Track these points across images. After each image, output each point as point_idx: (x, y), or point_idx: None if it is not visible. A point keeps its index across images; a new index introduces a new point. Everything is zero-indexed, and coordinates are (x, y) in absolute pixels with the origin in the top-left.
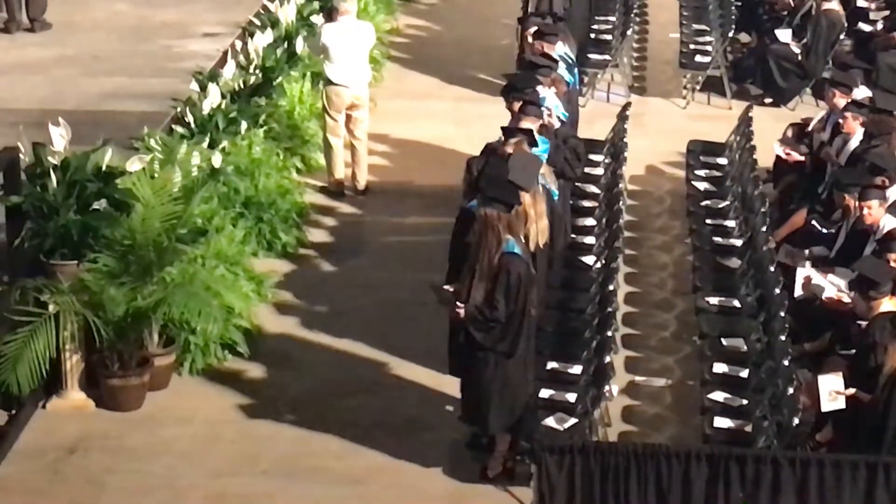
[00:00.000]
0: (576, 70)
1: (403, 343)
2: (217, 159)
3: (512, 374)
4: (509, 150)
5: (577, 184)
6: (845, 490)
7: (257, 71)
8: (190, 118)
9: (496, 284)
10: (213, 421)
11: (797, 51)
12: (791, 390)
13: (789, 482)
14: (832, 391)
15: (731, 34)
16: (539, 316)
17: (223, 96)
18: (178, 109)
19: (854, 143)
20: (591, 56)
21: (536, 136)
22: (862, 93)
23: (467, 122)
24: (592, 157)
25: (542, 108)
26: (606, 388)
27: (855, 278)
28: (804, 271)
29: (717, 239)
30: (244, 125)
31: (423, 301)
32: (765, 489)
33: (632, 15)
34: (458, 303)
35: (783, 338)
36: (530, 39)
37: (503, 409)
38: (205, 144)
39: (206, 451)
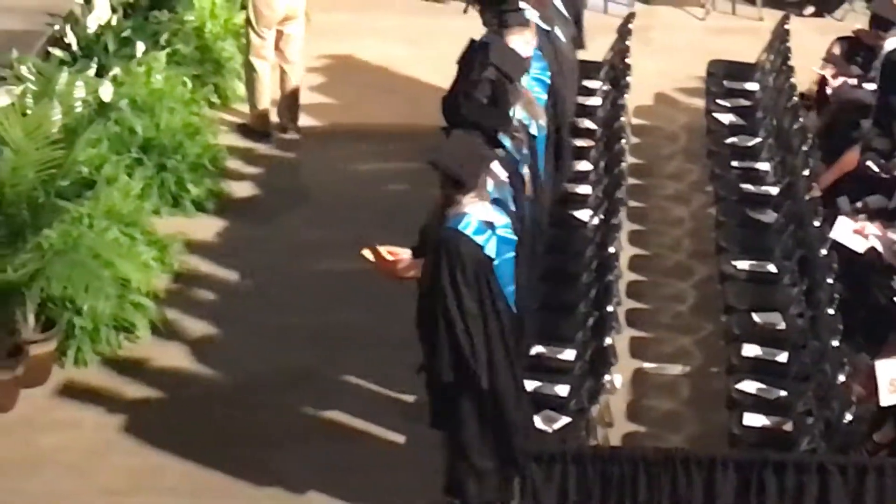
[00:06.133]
0: None
1: (347, 325)
2: (107, 91)
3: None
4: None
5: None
6: None
7: None
8: (71, 38)
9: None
10: (105, 426)
11: None
12: (842, 378)
13: (840, 494)
14: (895, 379)
15: None
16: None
17: (114, 10)
18: (57, 27)
19: (889, 46)
20: None
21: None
22: None
23: (423, 40)
24: (587, 83)
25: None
26: (607, 378)
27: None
28: (852, 223)
29: (747, 186)
30: (141, 47)
31: (371, 271)
32: (809, 503)
33: None
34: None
35: (831, 311)
36: None
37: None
38: (91, 72)
39: (96, 464)
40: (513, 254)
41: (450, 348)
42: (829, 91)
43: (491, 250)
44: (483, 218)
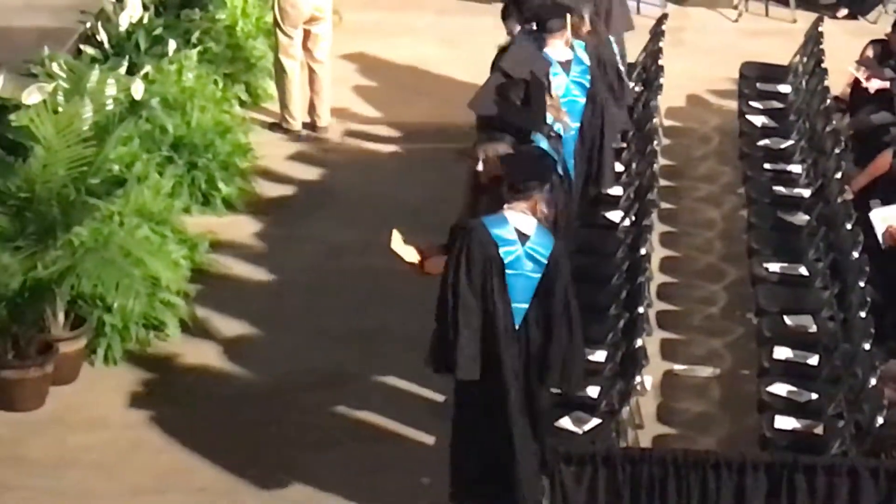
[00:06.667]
0: None
1: (376, 323)
2: (138, 89)
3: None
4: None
5: None
6: None
7: None
8: (103, 36)
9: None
10: (135, 424)
11: None
12: (873, 382)
13: (871, 497)
14: None
15: None
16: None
17: (145, 8)
18: (89, 25)
19: None
20: None
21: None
22: None
23: (456, 39)
24: None
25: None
26: (638, 379)
27: None
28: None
29: (779, 189)
30: (172, 45)
31: (403, 270)
32: None
33: None
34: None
35: (863, 314)
36: None
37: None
38: (122, 70)
39: (126, 463)
40: (537, 275)
41: (437, 333)
42: (848, 119)
43: (507, 255)
44: (520, 228)
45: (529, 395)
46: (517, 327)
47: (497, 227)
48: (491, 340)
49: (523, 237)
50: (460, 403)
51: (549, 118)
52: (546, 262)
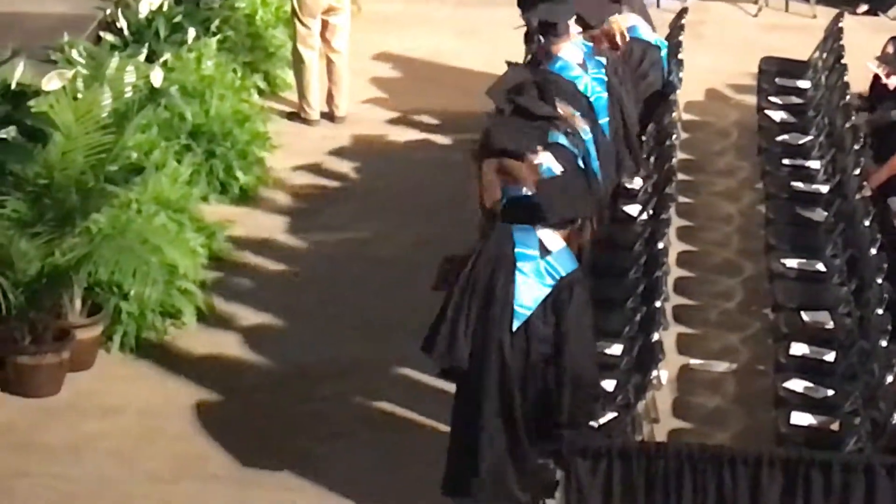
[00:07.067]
0: None
1: (392, 315)
2: (157, 76)
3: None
4: None
5: None
6: None
7: None
8: (123, 23)
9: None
10: (150, 411)
11: None
12: (890, 379)
13: (887, 494)
14: None
15: None
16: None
17: None
18: (108, 12)
19: None
20: None
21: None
22: None
23: (473, 31)
24: None
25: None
26: (654, 373)
27: None
28: None
29: (797, 184)
30: (192, 33)
31: (420, 262)
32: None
33: None
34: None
35: (880, 311)
36: None
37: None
38: (141, 57)
39: (141, 450)
40: (548, 289)
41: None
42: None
43: (521, 258)
44: (546, 242)
45: (524, 399)
46: (515, 328)
47: (521, 232)
48: (483, 336)
49: (545, 251)
50: (456, 395)
51: None
52: (559, 279)
